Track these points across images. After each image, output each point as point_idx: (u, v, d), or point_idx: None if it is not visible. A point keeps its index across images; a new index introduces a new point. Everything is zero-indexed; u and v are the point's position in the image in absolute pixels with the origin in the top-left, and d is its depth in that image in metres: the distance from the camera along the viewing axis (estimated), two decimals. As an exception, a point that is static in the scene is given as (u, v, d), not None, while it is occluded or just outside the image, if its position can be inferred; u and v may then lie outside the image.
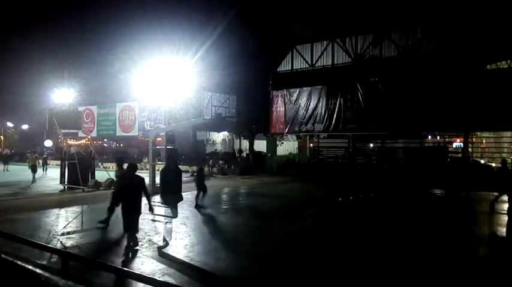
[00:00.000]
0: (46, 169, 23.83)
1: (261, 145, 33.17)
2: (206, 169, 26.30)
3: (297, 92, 22.86)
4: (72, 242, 7.79)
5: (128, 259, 6.70)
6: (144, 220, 10.02)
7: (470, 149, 20.33)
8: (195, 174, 13.12)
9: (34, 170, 20.11)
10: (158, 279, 4.02)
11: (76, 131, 25.08)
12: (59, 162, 20.79)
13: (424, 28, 19.80)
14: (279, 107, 23.76)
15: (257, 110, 24.65)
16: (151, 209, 7.34)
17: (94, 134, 23.76)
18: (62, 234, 8.45)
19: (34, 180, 19.71)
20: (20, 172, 23.16)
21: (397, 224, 10.32)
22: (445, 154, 20.97)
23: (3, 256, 3.08)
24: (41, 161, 23.62)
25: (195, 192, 16.40)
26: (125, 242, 7.85)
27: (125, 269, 3.57)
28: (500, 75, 17.85)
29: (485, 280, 6.04)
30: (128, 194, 7.01)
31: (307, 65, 24.19)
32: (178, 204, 8.92)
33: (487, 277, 6.15)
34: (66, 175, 16.73)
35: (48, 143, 35.24)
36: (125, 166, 8.13)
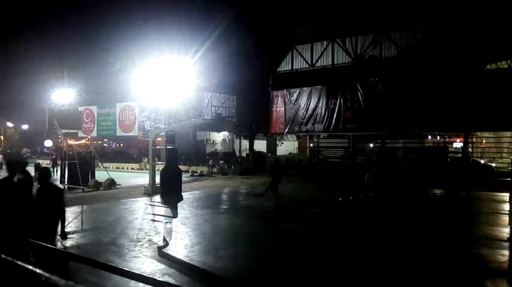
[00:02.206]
0: (56, 171, 23.47)
1: (261, 145, 33.22)
2: (206, 168, 26.34)
3: (297, 92, 22.87)
4: (72, 242, 7.79)
5: (128, 259, 6.71)
6: (144, 220, 10.04)
7: (470, 149, 20.34)
8: (273, 167, 13.56)
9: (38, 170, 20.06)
10: (158, 279, 4.03)
11: (76, 131, 25.07)
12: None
13: (424, 28, 19.80)
14: (279, 107, 23.77)
15: (257, 110, 24.67)
16: (63, 235, 5.33)
17: (94, 134, 23.79)
18: (62, 234, 8.44)
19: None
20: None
21: (397, 224, 10.32)
22: (445, 154, 20.99)
23: (3, 256, 3.07)
24: (49, 162, 23.35)
25: (195, 192, 16.45)
26: (123, 241, 7.87)
27: (125, 269, 3.58)
28: (500, 75, 17.85)
29: (485, 279, 6.04)
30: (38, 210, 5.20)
31: (307, 65, 24.19)
32: (178, 204, 8.92)
33: (486, 276, 6.15)
34: (66, 175, 16.75)
35: (48, 143, 35.22)
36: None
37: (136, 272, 3.43)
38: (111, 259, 6.56)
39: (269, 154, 27.92)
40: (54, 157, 25.48)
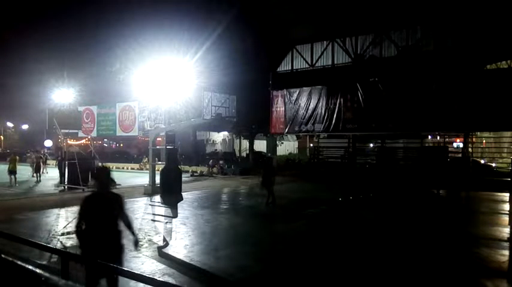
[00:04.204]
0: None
1: (261, 145, 33.23)
2: (206, 168, 26.33)
3: (297, 92, 22.85)
4: (72, 242, 7.78)
5: (128, 259, 6.70)
6: (144, 220, 10.04)
7: (470, 149, 20.33)
8: (263, 169, 13.14)
9: (38, 170, 20.14)
10: (158, 279, 4.03)
11: (76, 131, 25.04)
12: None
13: (424, 28, 19.79)
14: (279, 107, 23.75)
15: (257, 110, 24.64)
16: None
17: (94, 134, 23.68)
18: (62, 234, 8.46)
19: (39, 180, 19.76)
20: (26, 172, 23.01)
21: (397, 225, 10.32)
22: (445, 154, 20.98)
23: (3, 256, 3.07)
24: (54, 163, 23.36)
25: (195, 192, 16.44)
26: (123, 241, 7.84)
27: (125, 269, 3.58)
28: (500, 75, 17.84)
29: (484, 279, 6.04)
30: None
31: (307, 65, 24.18)
32: (178, 204, 8.91)
33: (486, 276, 6.15)
34: (66, 175, 16.75)
35: (48, 143, 35.22)
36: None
37: (136, 272, 3.43)
38: (111, 259, 6.55)
39: (269, 154, 27.93)
40: (59, 157, 25.42)
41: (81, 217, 4.24)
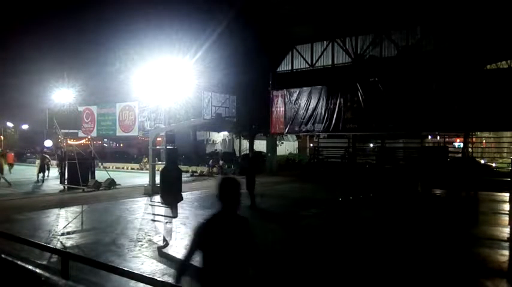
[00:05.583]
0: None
1: (261, 145, 33.21)
2: (206, 168, 26.33)
3: (297, 92, 22.85)
4: (72, 242, 7.79)
5: (128, 259, 6.71)
6: (144, 220, 10.05)
7: (470, 149, 20.32)
8: (244, 166, 12.62)
9: (42, 170, 20.13)
10: (158, 279, 4.04)
11: (76, 131, 25.09)
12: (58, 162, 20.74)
13: (424, 28, 19.80)
14: (279, 107, 23.74)
15: (257, 110, 24.64)
16: None
17: (94, 134, 23.72)
18: (62, 234, 8.46)
19: (42, 180, 19.75)
20: (26, 172, 23.09)
21: (397, 225, 10.32)
22: (445, 154, 20.97)
23: (3, 256, 3.08)
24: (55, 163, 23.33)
25: (195, 192, 16.44)
26: (124, 241, 7.86)
27: (125, 269, 3.59)
28: (500, 75, 17.84)
29: (484, 280, 6.04)
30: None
31: (307, 65, 24.18)
32: (178, 204, 8.91)
33: (486, 276, 6.15)
34: (66, 175, 16.76)
35: (48, 143, 35.23)
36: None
37: (136, 272, 3.44)
38: (111, 259, 6.56)
39: (269, 154, 27.94)
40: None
41: (194, 248, 3.16)
